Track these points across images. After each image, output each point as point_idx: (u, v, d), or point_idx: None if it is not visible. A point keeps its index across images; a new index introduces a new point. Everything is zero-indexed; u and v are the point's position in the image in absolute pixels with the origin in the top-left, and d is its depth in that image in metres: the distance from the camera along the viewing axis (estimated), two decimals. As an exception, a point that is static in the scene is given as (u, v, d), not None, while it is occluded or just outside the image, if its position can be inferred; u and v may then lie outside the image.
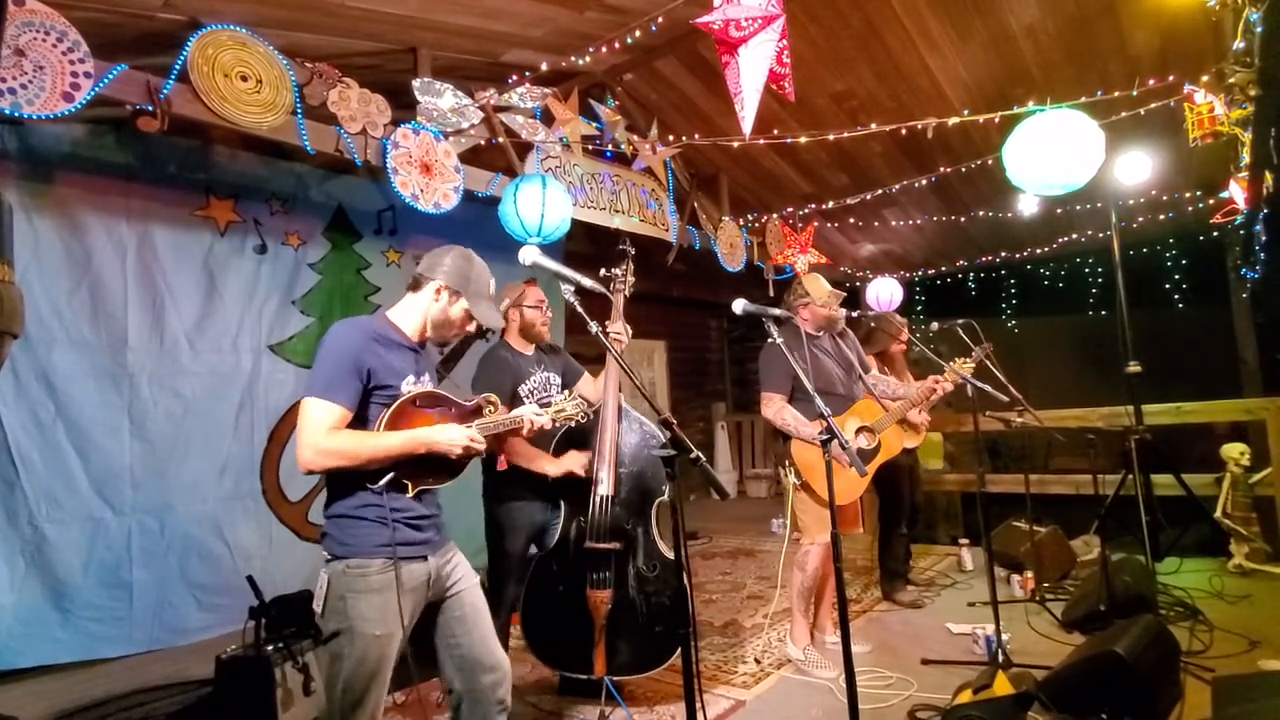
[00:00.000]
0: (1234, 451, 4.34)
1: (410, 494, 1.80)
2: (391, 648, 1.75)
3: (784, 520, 3.29)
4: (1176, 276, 6.74)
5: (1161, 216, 5.64)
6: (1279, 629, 3.20)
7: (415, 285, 1.95)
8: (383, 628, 1.72)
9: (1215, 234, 6.01)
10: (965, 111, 3.66)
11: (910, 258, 7.35)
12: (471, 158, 3.79)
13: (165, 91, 2.72)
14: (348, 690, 1.71)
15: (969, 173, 4.80)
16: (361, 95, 3.31)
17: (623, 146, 4.40)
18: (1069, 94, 3.32)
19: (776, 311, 2.19)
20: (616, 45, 3.78)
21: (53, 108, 2.45)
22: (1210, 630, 3.22)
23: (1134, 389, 3.48)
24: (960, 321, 3.45)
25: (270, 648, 2.49)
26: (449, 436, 1.79)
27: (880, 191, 5.20)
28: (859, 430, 3.27)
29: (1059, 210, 5.58)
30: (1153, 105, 3.47)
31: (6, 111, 2.36)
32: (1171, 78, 3.40)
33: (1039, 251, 6.61)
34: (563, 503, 2.79)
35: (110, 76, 2.60)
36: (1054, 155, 2.87)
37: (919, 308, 8.00)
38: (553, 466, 2.70)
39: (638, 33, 3.69)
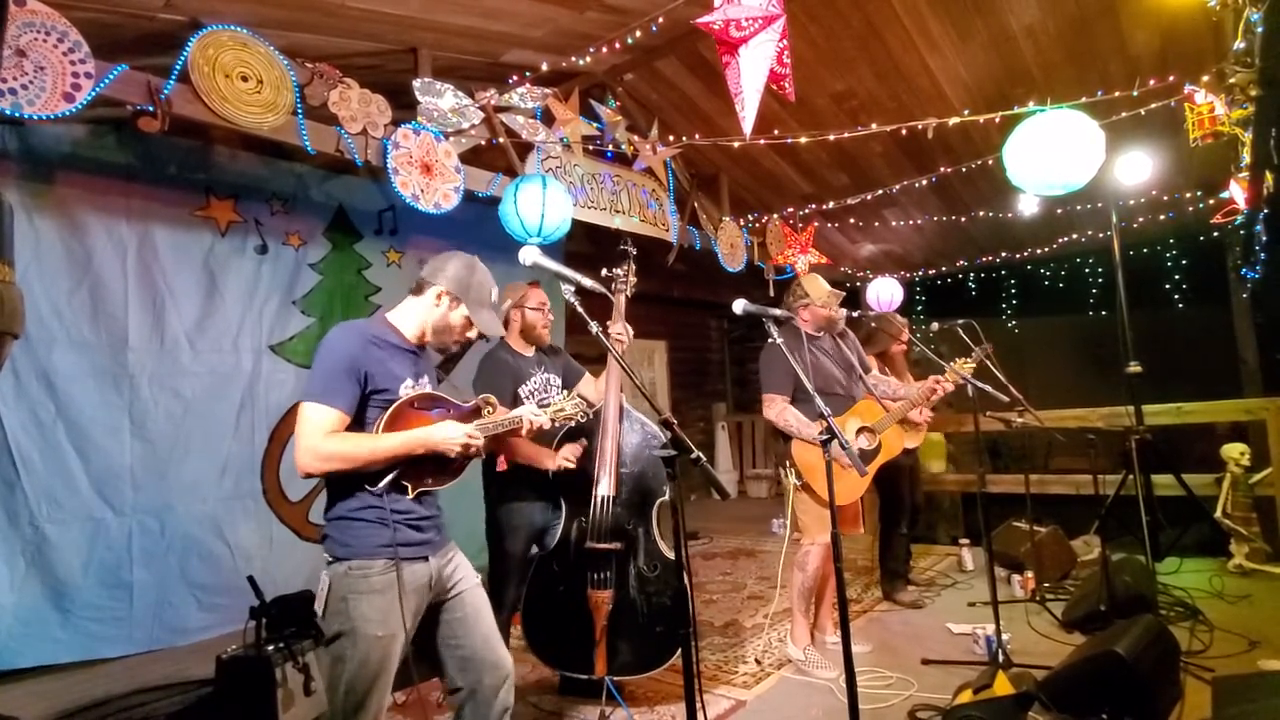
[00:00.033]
0: (1234, 451, 4.33)
1: (410, 495, 1.80)
2: (394, 649, 1.75)
3: (784, 520, 3.29)
4: (1177, 276, 6.74)
5: (1162, 217, 5.64)
6: (1279, 629, 3.20)
7: (418, 289, 1.95)
8: (385, 629, 1.72)
9: (1215, 234, 6.01)
10: (965, 111, 3.66)
11: (910, 258, 7.35)
12: (472, 158, 3.79)
13: (166, 92, 2.72)
14: (350, 692, 1.71)
15: (969, 173, 4.80)
16: (362, 95, 3.31)
17: (623, 147, 4.40)
18: (1069, 94, 3.32)
19: (777, 312, 2.19)
20: (617, 45, 3.77)
21: (53, 108, 2.45)
22: (1210, 630, 3.22)
23: (1134, 389, 3.48)
24: (960, 322, 3.45)
25: (271, 648, 2.48)
26: (446, 434, 1.79)
27: (880, 191, 5.19)
28: (859, 430, 3.27)
29: (1059, 210, 5.58)
30: (1153, 105, 3.47)
31: (7, 112, 2.37)
32: (1172, 78, 3.40)
33: (1039, 251, 6.61)
34: (564, 503, 2.79)
35: (111, 77, 2.60)
36: (1054, 155, 2.87)
37: (919, 308, 8.00)
38: (549, 460, 2.71)
39: (638, 33, 3.69)
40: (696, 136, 4.70)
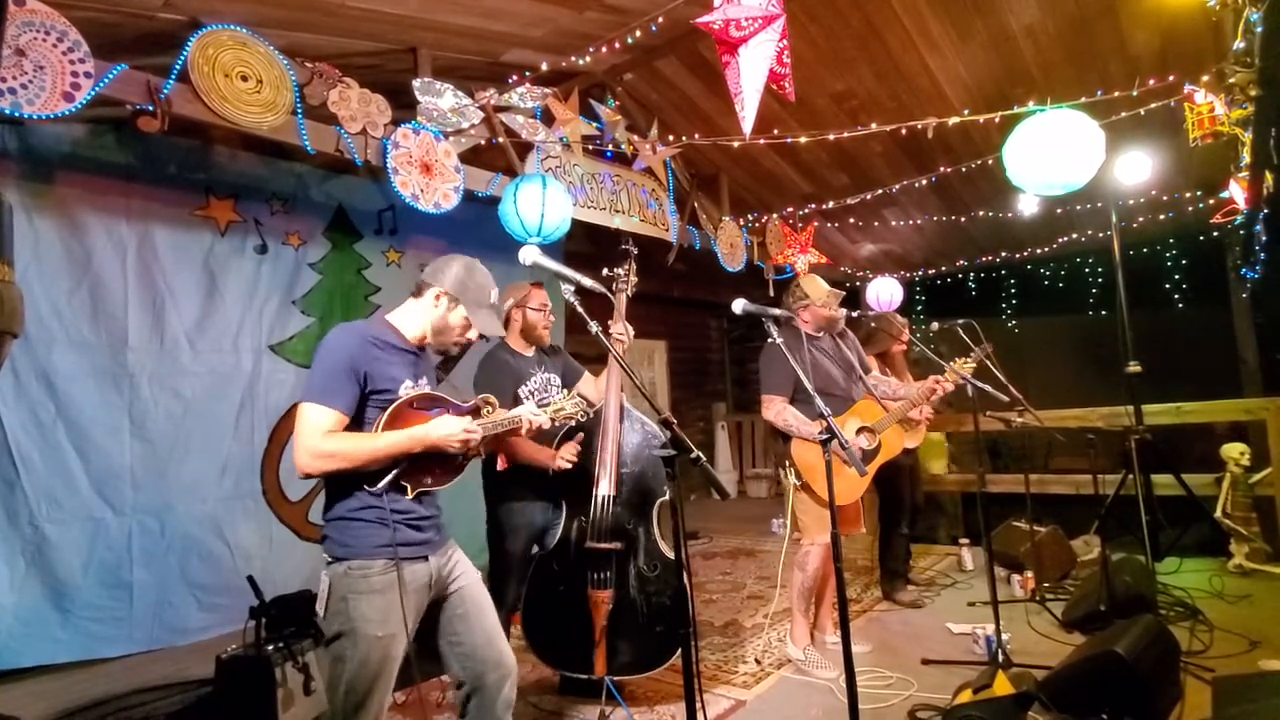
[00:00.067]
0: (1234, 451, 4.33)
1: (410, 495, 1.80)
2: (395, 649, 1.75)
3: (784, 520, 3.29)
4: (1176, 276, 6.74)
5: (1162, 216, 5.64)
6: (1279, 629, 3.20)
7: (418, 291, 1.96)
8: (385, 629, 1.72)
9: (1215, 234, 6.01)
10: (965, 111, 3.66)
11: (910, 258, 7.35)
12: (472, 158, 3.79)
13: (165, 91, 2.72)
14: (350, 692, 1.71)
15: (969, 173, 4.80)
16: (362, 95, 3.31)
17: (623, 146, 4.40)
18: (1069, 94, 3.32)
19: (776, 312, 2.19)
20: (616, 45, 3.78)
21: (53, 108, 2.45)
22: (1210, 630, 3.22)
23: (1134, 389, 3.48)
24: (960, 321, 3.45)
25: (270, 647, 2.49)
26: (445, 430, 1.79)
27: (880, 191, 5.20)
28: (859, 430, 3.27)
29: (1059, 210, 5.58)
30: (1153, 105, 3.47)
31: (7, 111, 2.36)
32: (1172, 78, 3.40)
33: (1039, 251, 6.61)
34: (564, 503, 2.79)
35: (110, 76, 2.60)
36: (1054, 155, 2.87)
37: (919, 308, 8.00)
38: (550, 460, 2.71)
39: (638, 33, 3.69)
40: (696, 136, 4.70)
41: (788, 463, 3.17)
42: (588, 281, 1.89)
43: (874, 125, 3.88)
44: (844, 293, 3.46)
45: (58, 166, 3.53)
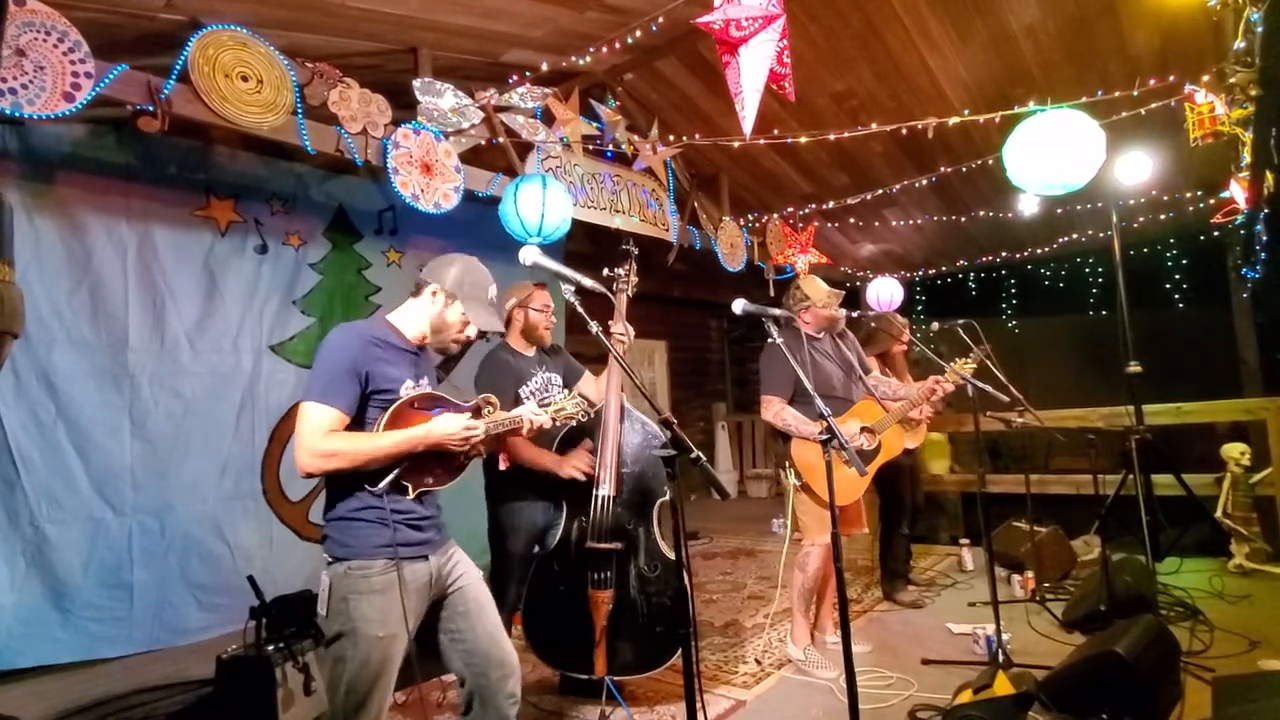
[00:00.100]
0: (1234, 451, 4.33)
1: (411, 495, 1.80)
2: (395, 649, 1.75)
3: (784, 520, 3.29)
4: (1177, 276, 6.74)
5: (1162, 216, 5.64)
6: (1279, 629, 3.20)
7: (416, 290, 1.97)
8: (386, 629, 1.72)
9: (1216, 234, 6.01)
10: (965, 111, 3.66)
11: (910, 258, 7.35)
12: (472, 158, 3.79)
13: (166, 92, 2.72)
14: (350, 693, 1.71)
15: (969, 173, 4.80)
16: (362, 95, 3.31)
17: (623, 146, 4.40)
18: (1069, 94, 3.32)
19: (777, 312, 2.19)
20: (617, 45, 3.78)
21: (53, 108, 2.45)
22: (1210, 630, 3.22)
23: (1134, 389, 3.48)
24: (960, 321, 3.45)
25: (271, 648, 2.49)
26: (446, 428, 1.79)
27: (880, 191, 5.20)
28: (860, 431, 3.27)
29: (1059, 210, 5.58)
30: (1153, 105, 3.47)
31: (7, 111, 2.36)
32: (1172, 78, 3.40)
33: (1039, 251, 6.62)
34: (564, 503, 2.79)
35: (111, 76, 2.60)
36: (1054, 155, 2.87)
37: (919, 308, 8.00)
38: (550, 461, 2.70)
39: (638, 33, 3.69)
40: (696, 136, 4.70)
41: (788, 463, 3.17)
42: (588, 282, 1.89)
43: (874, 125, 3.88)
44: (844, 293, 3.46)
45: (58, 166, 3.53)
